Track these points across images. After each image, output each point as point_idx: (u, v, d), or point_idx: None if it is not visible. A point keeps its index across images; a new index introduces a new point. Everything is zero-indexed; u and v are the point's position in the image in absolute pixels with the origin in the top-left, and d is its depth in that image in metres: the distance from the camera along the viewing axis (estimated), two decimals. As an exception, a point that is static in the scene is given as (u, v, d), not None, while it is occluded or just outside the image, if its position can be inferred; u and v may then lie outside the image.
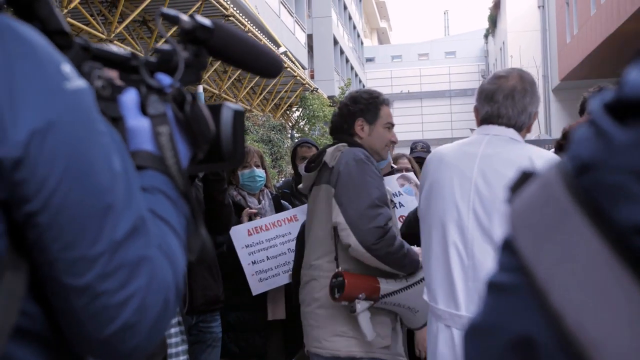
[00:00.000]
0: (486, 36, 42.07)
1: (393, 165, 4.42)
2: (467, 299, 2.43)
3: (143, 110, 1.03)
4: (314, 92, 21.10)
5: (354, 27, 40.11)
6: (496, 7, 36.80)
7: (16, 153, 0.80)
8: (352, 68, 38.24)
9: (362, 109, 3.12)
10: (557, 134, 27.82)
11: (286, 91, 19.57)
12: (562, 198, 0.59)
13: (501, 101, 2.52)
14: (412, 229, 3.18)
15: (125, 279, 0.86)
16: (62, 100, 0.83)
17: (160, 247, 0.91)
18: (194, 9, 11.94)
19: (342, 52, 34.17)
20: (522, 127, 2.54)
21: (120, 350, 0.88)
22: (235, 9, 13.41)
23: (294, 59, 19.27)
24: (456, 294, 2.45)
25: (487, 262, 2.40)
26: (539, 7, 31.89)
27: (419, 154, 5.32)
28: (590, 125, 0.61)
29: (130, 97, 1.03)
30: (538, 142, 20.06)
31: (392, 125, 3.18)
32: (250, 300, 3.81)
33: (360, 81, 40.68)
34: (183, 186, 0.99)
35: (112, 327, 0.86)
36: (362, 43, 44.49)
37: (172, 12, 1.11)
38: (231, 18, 12.94)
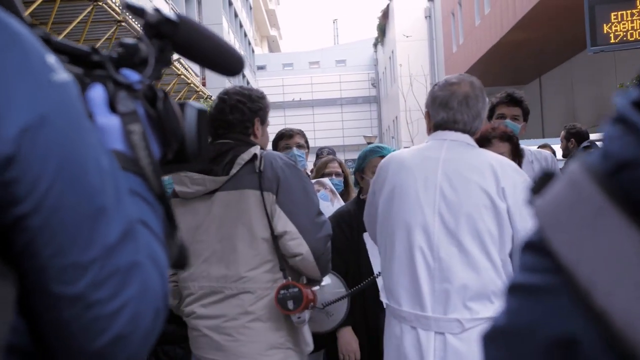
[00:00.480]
0: (375, 45, 42.97)
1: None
2: (433, 301, 2.49)
3: (112, 108, 0.96)
4: (208, 99, 20.90)
5: (245, 35, 40.07)
6: (385, 17, 37.66)
7: (7, 150, 0.73)
8: (243, 76, 38.14)
9: (260, 108, 2.97)
10: (445, 141, 28.69)
11: (179, 98, 19.31)
12: (596, 197, 0.59)
13: (456, 107, 2.61)
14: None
15: (118, 287, 0.80)
16: (52, 93, 0.77)
17: (149, 253, 0.86)
18: (84, 13, 11.56)
19: (234, 59, 33.99)
20: (475, 132, 2.65)
21: None
22: (127, 14, 13.08)
23: (186, 66, 19.02)
24: (422, 295, 2.50)
25: (453, 263, 2.46)
26: (425, 17, 32.89)
27: (326, 160, 5.36)
28: (617, 123, 0.61)
29: (97, 94, 0.96)
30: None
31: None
32: (170, 312, 3.67)
33: (252, 89, 40.48)
34: (158, 188, 0.94)
35: (103, 338, 0.80)
36: (253, 51, 44.46)
37: (137, 4, 1.05)
38: (123, 23, 12.63)
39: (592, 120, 18.12)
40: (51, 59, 0.80)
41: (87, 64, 1.00)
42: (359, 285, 3.36)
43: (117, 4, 12.29)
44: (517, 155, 3.33)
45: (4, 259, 0.77)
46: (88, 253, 0.78)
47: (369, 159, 3.93)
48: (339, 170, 4.68)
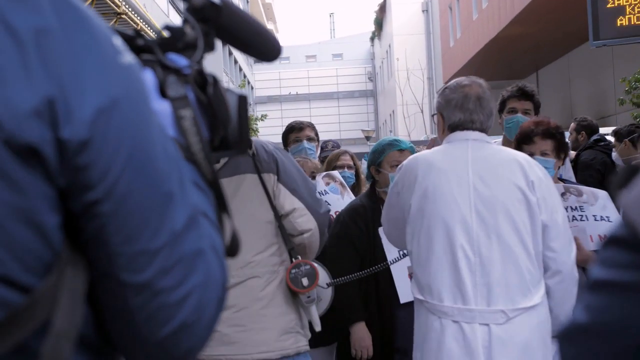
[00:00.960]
0: (372, 39, 42.89)
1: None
2: (476, 294, 2.58)
3: (161, 93, 0.94)
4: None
5: (242, 28, 39.78)
6: (382, 11, 37.57)
7: (83, 134, 0.72)
8: (240, 69, 38.07)
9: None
10: (442, 135, 28.72)
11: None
12: None
13: (472, 108, 2.76)
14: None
15: (184, 274, 0.79)
16: (121, 76, 0.76)
17: (211, 241, 0.85)
18: (85, 4, 11.48)
19: (230, 53, 33.97)
20: (488, 130, 2.81)
21: (173, 353, 0.81)
22: (127, 6, 13.03)
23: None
24: (465, 290, 2.59)
25: (493, 257, 2.59)
26: (423, 11, 32.85)
27: (329, 154, 5.31)
28: None
29: (147, 79, 0.94)
30: (427, 142, 20.60)
31: None
32: None
33: (248, 82, 40.54)
34: (211, 175, 0.92)
35: (168, 327, 0.79)
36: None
37: None
38: (123, 16, 12.58)
39: (590, 115, 18.10)
40: (117, 40, 0.79)
41: (132, 48, 0.97)
42: (367, 270, 3.44)
43: (137, 15, 12.23)
44: (562, 150, 3.32)
45: (73, 246, 0.76)
46: (156, 240, 0.77)
47: (388, 153, 3.90)
48: (351, 162, 4.64)
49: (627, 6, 9.82)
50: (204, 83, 0.97)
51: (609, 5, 9.92)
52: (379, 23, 38.93)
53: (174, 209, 0.79)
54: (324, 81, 45.74)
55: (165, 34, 1.00)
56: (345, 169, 4.50)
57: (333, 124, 43.99)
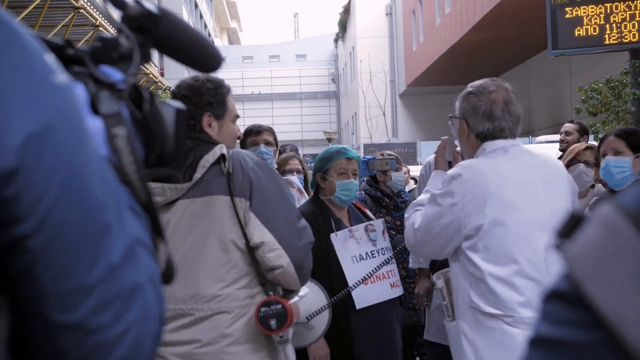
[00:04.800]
0: (336, 40, 42.91)
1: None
2: None
3: (93, 109, 0.88)
4: (166, 90, 20.64)
5: (205, 26, 39.63)
6: (346, 13, 37.62)
7: (10, 162, 0.65)
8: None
9: (209, 102, 2.62)
10: (403, 138, 28.88)
11: (137, 89, 18.96)
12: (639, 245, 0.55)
13: (500, 115, 2.74)
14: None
15: (120, 310, 0.73)
16: (55, 98, 0.70)
17: (149, 273, 0.79)
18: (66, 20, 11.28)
19: (193, 50, 33.69)
20: (517, 134, 2.80)
21: None
22: (85, 1, 12.82)
23: (145, 56, 18.71)
24: None
25: None
26: (386, 14, 32.95)
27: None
28: None
29: (80, 95, 0.87)
30: (387, 146, 20.70)
31: (238, 117, 2.77)
32: None
33: (211, 81, 40.09)
34: (145, 197, 0.86)
35: None
36: (212, 42, 43.76)
37: None
38: (82, 10, 12.37)
39: (547, 123, 18.37)
40: (50, 58, 0.73)
41: (61, 59, 0.90)
42: (342, 292, 3.26)
43: (95, 10, 12.05)
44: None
45: None
46: (92, 275, 0.71)
47: (335, 160, 3.86)
48: (300, 167, 4.60)
49: (585, 17, 9.98)
50: (139, 98, 0.92)
51: (567, 16, 10.07)
52: (343, 25, 38.98)
53: (111, 241, 0.73)
54: (287, 81, 45.64)
55: (98, 44, 0.94)
56: (294, 173, 4.47)
57: (295, 124, 43.93)
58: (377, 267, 3.62)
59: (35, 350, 0.73)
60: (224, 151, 2.53)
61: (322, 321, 2.93)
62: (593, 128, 10.30)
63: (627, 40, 9.83)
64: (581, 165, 4.42)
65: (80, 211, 0.70)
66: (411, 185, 7.40)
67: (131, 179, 0.85)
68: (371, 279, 3.74)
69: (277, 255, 2.46)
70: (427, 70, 26.37)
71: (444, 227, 2.69)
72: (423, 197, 2.93)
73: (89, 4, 12.87)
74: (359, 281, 3.47)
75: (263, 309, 2.46)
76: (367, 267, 3.72)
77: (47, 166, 0.68)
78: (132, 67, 0.93)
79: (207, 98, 2.62)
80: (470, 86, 2.83)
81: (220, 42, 53.62)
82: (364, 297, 3.69)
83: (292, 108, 45.35)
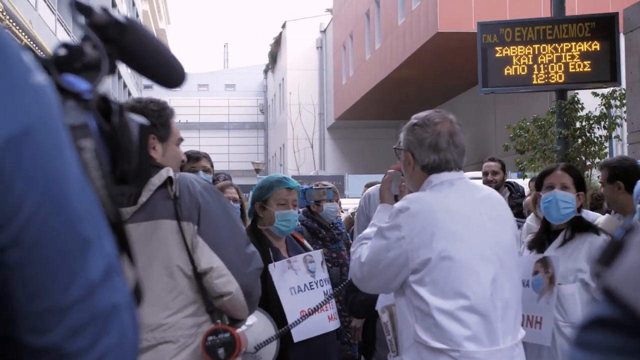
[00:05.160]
0: (266, 71, 43.06)
1: None
2: (503, 333, 2.62)
3: None
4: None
5: (134, 52, 39.08)
6: (277, 44, 37.84)
7: None
8: (129, 94, 37.23)
9: (153, 124, 2.53)
10: (331, 170, 29.04)
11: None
12: None
13: (445, 147, 2.72)
14: None
15: (97, 334, 0.67)
16: (33, 100, 0.65)
17: (124, 295, 0.74)
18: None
19: (120, 76, 33.21)
20: (462, 166, 2.81)
21: None
22: (10, 20, 12.47)
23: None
24: (495, 331, 2.62)
25: (511, 295, 2.67)
26: (317, 47, 33.30)
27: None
28: None
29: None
30: (316, 178, 20.77)
31: (182, 140, 2.70)
32: None
33: (137, 108, 39.60)
34: (114, 215, 0.80)
35: None
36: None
37: (85, 1, 0.91)
38: (6, 30, 12.01)
39: (473, 159, 18.79)
40: (27, 57, 0.68)
41: None
42: (293, 323, 3.20)
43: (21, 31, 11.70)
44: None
45: None
46: (69, 294, 0.65)
47: (276, 190, 3.81)
48: (236, 196, 4.53)
49: (514, 57, 10.28)
50: (107, 110, 0.86)
51: (497, 55, 10.35)
52: (274, 56, 39.17)
53: (90, 258, 0.67)
54: (215, 111, 45.42)
55: (62, 51, 0.88)
56: (231, 202, 4.39)
57: (222, 154, 43.64)
58: (326, 299, 3.57)
59: None
60: (171, 174, 2.44)
61: (270, 352, 2.87)
62: (520, 165, 10.56)
63: (553, 81, 10.15)
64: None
65: (60, 223, 0.64)
66: (342, 216, 7.42)
67: (99, 195, 0.79)
68: (308, 312, 3.68)
69: (225, 282, 2.38)
70: (356, 104, 26.67)
71: (391, 261, 2.66)
72: (369, 230, 2.90)
73: (14, 24, 12.52)
74: (310, 310, 3.42)
75: (210, 338, 2.37)
76: (305, 299, 3.67)
77: (26, 172, 0.62)
78: (100, 77, 0.87)
79: (150, 120, 2.51)
80: (415, 118, 2.82)
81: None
82: (302, 329, 3.62)
83: (219, 138, 45.10)
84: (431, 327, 2.59)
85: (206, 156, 4.49)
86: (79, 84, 0.85)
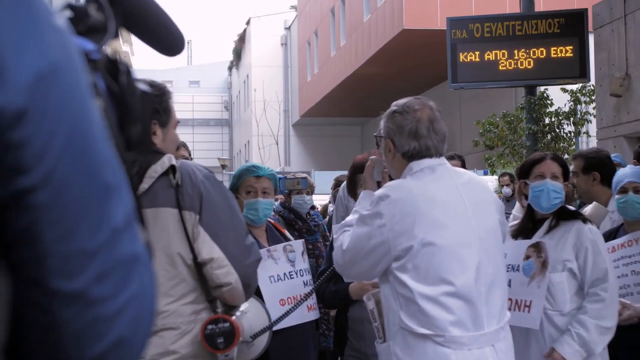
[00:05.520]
0: (230, 68, 42.85)
1: None
2: (488, 318, 2.63)
3: None
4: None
5: (95, 47, 38.61)
6: (241, 41, 37.66)
7: (19, 102, 0.58)
8: (91, 89, 36.80)
9: (155, 110, 2.49)
10: (296, 167, 28.99)
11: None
12: None
13: (425, 134, 2.69)
14: None
15: (122, 282, 0.67)
16: (58, 40, 0.64)
17: (143, 247, 0.74)
18: None
19: (82, 71, 32.83)
20: (443, 153, 2.79)
21: None
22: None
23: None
24: (479, 316, 2.61)
25: (495, 280, 2.68)
26: (282, 44, 33.21)
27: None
28: None
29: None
30: (282, 174, 20.69)
31: (178, 122, 2.69)
32: None
33: (99, 103, 39.11)
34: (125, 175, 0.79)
35: (100, 345, 0.66)
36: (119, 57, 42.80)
37: None
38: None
39: (439, 155, 18.92)
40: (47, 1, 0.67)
41: None
42: (286, 312, 3.20)
43: None
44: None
45: None
46: (95, 238, 0.64)
47: (244, 178, 3.77)
48: None
49: (483, 52, 10.36)
50: (115, 72, 0.85)
51: (466, 50, 10.41)
52: (238, 53, 38.98)
53: (114, 203, 0.67)
54: (180, 107, 44.96)
55: (67, 12, 0.87)
56: None
57: (186, 151, 43.31)
58: (311, 291, 3.56)
59: (30, 325, 0.65)
60: (174, 162, 2.41)
61: (262, 338, 2.83)
62: (489, 161, 10.62)
63: (523, 77, 10.24)
64: None
65: (86, 165, 0.64)
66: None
67: None
68: (288, 301, 3.66)
69: (225, 272, 2.38)
70: (321, 101, 26.67)
71: (372, 248, 2.66)
72: (351, 217, 2.89)
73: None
74: (302, 297, 3.45)
75: (210, 327, 2.38)
76: (284, 288, 3.68)
77: (55, 110, 0.61)
78: (106, 37, 0.87)
79: (152, 105, 2.43)
80: (395, 105, 2.82)
81: (110, 65, 52.43)
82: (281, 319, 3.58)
83: (184, 134, 44.68)
84: (416, 314, 2.60)
85: (184, 145, 4.38)
86: (85, 44, 0.84)
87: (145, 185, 2.37)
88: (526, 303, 3.28)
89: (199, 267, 2.39)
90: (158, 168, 2.38)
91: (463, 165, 6.40)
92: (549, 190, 3.43)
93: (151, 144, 2.44)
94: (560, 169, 3.51)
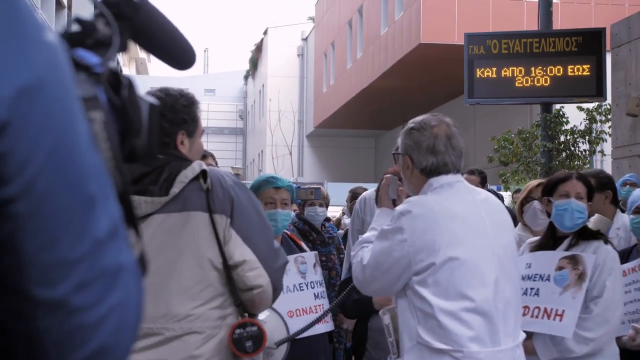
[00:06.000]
0: (246, 77, 42.98)
1: None
2: (505, 334, 2.65)
3: None
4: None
5: (113, 54, 38.85)
6: (258, 51, 37.79)
7: (2, 114, 0.61)
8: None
9: (184, 120, 2.54)
10: (309, 178, 29.02)
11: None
12: None
13: (443, 150, 2.72)
14: None
15: (104, 290, 0.69)
16: (46, 55, 0.67)
17: (130, 257, 0.76)
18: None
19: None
20: (460, 169, 2.81)
21: None
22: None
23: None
24: (497, 332, 2.63)
25: (512, 299, 2.70)
26: (298, 55, 33.29)
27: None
28: None
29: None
30: (296, 184, 20.70)
31: (203, 131, 2.74)
32: None
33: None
34: (121, 186, 0.82)
35: (83, 352, 0.68)
36: (120, 71, 43.03)
37: None
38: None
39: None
40: (37, 15, 0.69)
41: None
42: (310, 323, 3.27)
43: None
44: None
45: None
46: (77, 248, 0.66)
47: (263, 189, 3.80)
48: None
49: (500, 69, 10.36)
50: (117, 85, 0.88)
51: (483, 66, 10.40)
52: (254, 63, 39.10)
53: (98, 214, 0.69)
54: (194, 115, 45.22)
55: (75, 26, 0.90)
56: None
57: (200, 159, 43.42)
58: (328, 310, 3.64)
59: (13, 333, 0.67)
60: (204, 167, 2.46)
61: (281, 349, 2.91)
62: (503, 177, 10.60)
63: (539, 94, 10.23)
64: (535, 203, 4.42)
65: (69, 177, 0.67)
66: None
67: (108, 166, 0.82)
68: (296, 312, 3.67)
69: (257, 275, 2.41)
70: (336, 113, 26.70)
71: (393, 263, 2.68)
72: (369, 234, 2.93)
73: None
74: (327, 310, 3.53)
75: (238, 331, 2.41)
76: (294, 299, 3.70)
77: (38, 123, 0.64)
78: (111, 51, 0.89)
79: (181, 115, 2.54)
80: (412, 122, 2.86)
81: (128, 71, 52.83)
82: (294, 329, 3.59)
83: (197, 142, 44.89)
84: (434, 328, 2.61)
85: (212, 155, 4.43)
86: (90, 57, 0.87)
87: (175, 189, 2.40)
88: (557, 312, 3.29)
89: (227, 271, 2.41)
90: (189, 173, 2.42)
91: (484, 181, 6.36)
92: (573, 210, 3.44)
93: (165, 153, 2.49)
94: (585, 189, 3.52)
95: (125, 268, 0.73)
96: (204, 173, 2.43)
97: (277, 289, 2.49)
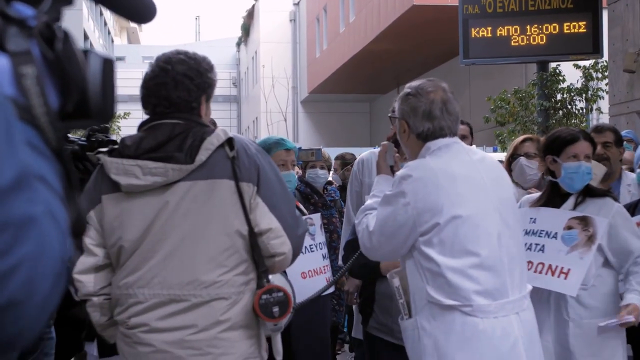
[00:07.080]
0: (238, 44, 42.66)
1: None
2: (512, 286, 2.72)
3: (0, 46, 0.81)
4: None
5: (105, 24, 38.55)
6: (249, 17, 37.45)
7: None
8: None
9: (209, 84, 2.53)
10: (304, 144, 29.01)
11: None
12: None
13: (439, 115, 2.77)
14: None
15: (10, 242, 0.66)
16: None
17: (48, 209, 0.73)
18: None
19: (92, 46, 32.70)
20: (457, 133, 2.86)
21: None
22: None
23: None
24: (505, 284, 2.71)
25: (515, 251, 2.77)
26: (290, 20, 33.02)
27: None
28: None
29: None
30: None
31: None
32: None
33: (107, 80, 39.03)
34: (56, 142, 0.80)
35: None
36: (112, 41, 42.76)
37: None
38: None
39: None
40: None
41: None
42: (325, 287, 3.39)
43: None
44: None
45: None
46: None
47: (274, 152, 3.83)
48: None
49: (496, 28, 10.30)
50: (52, 38, 0.84)
51: (478, 26, 10.34)
52: (246, 29, 38.76)
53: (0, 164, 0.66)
54: (187, 84, 44.90)
55: None
56: None
57: (194, 127, 43.23)
58: (336, 279, 3.76)
59: None
60: (230, 135, 2.47)
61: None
62: (500, 137, 10.61)
63: (535, 53, 10.18)
64: (522, 159, 4.41)
65: None
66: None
67: (40, 121, 0.79)
68: (309, 274, 3.70)
69: (281, 242, 2.45)
70: (330, 78, 26.57)
71: (398, 227, 2.74)
72: (371, 201, 2.98)
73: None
74: (341, 273, 3.63)
75: (265, 297, 2.44)
76: (305, 261, 3.73)
77: None
78: (45, 3, 0.86)
79: (206, 80, 2.53)
80: (409, 87, 2.90)
81: (119, 41, 52.32)
82: (301, 292, 3.62)
83: (191, 111, 44.62)
84: (443, 286, 2.67)
85: (214, 123, 4.44)
86: (24, 10, 0.83)
87: (202, 157, 2.40)
88: (563, 270, 3.32)
89: (252, 238, 2.44)
90: (214, 140, 2.42)
91: (471, 132, 6.41)
92: (584, 172, 3.45)
93: (188, 119, 2.49)
94: (591, 148, 3.54)
95: (37, 219, 0.70)
96: (229, 141, 2.44)
97: (296, 255, 2.55)
